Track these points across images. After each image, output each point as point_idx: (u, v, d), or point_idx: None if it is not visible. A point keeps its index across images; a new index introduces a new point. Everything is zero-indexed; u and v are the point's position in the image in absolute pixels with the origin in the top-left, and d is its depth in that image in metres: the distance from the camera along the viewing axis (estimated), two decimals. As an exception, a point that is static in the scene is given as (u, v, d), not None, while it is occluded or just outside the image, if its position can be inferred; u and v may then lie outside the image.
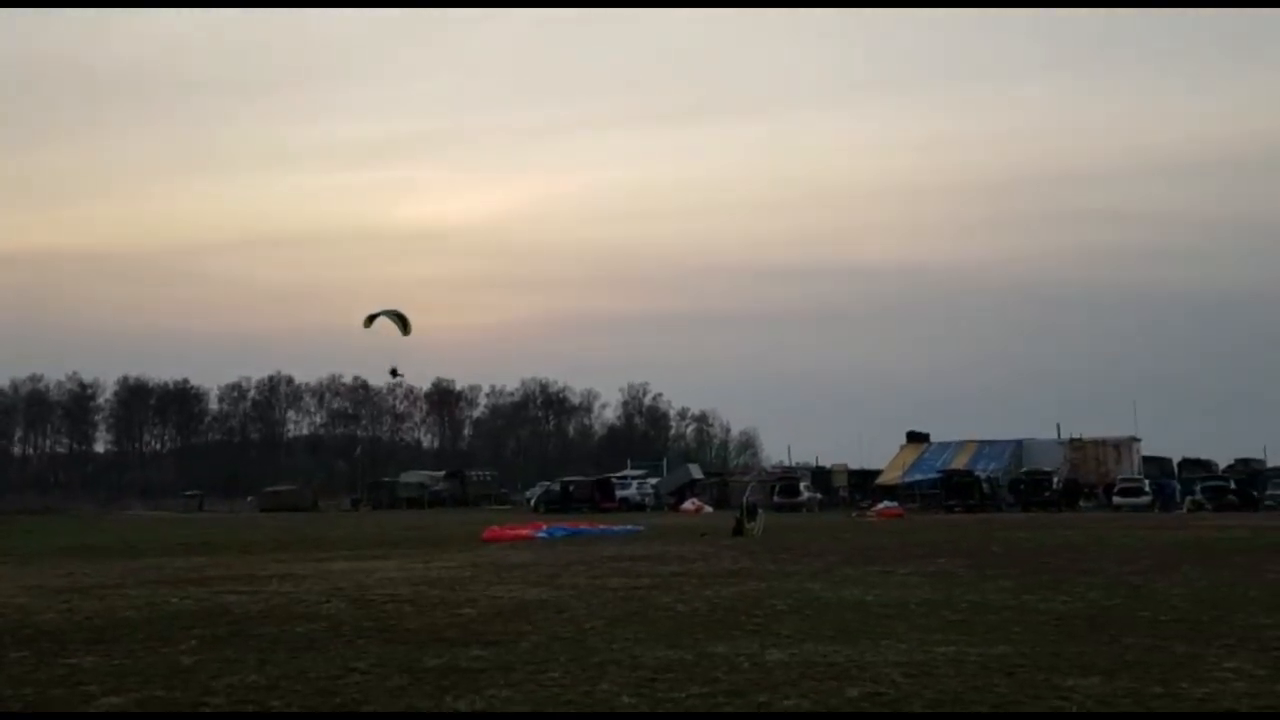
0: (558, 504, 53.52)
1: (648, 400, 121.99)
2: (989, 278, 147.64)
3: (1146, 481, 51.33)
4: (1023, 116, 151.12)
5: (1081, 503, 51.89)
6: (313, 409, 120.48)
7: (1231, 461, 59.11)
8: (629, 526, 31.73)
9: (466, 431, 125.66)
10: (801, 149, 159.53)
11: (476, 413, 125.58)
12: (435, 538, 27.99)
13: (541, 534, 27.57)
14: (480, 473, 79.34)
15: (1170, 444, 65.84)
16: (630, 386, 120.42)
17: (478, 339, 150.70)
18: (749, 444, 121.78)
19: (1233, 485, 47.94)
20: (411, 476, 76.82)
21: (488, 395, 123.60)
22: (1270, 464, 57.42)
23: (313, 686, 7.49)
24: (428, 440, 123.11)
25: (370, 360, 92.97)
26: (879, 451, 69.48)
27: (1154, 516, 40.27)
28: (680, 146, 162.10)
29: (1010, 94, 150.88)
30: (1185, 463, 59.54)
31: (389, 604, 12.43)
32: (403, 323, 31.02)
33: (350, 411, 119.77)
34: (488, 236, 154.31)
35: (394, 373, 35.01)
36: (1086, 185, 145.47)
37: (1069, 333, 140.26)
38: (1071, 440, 63.52)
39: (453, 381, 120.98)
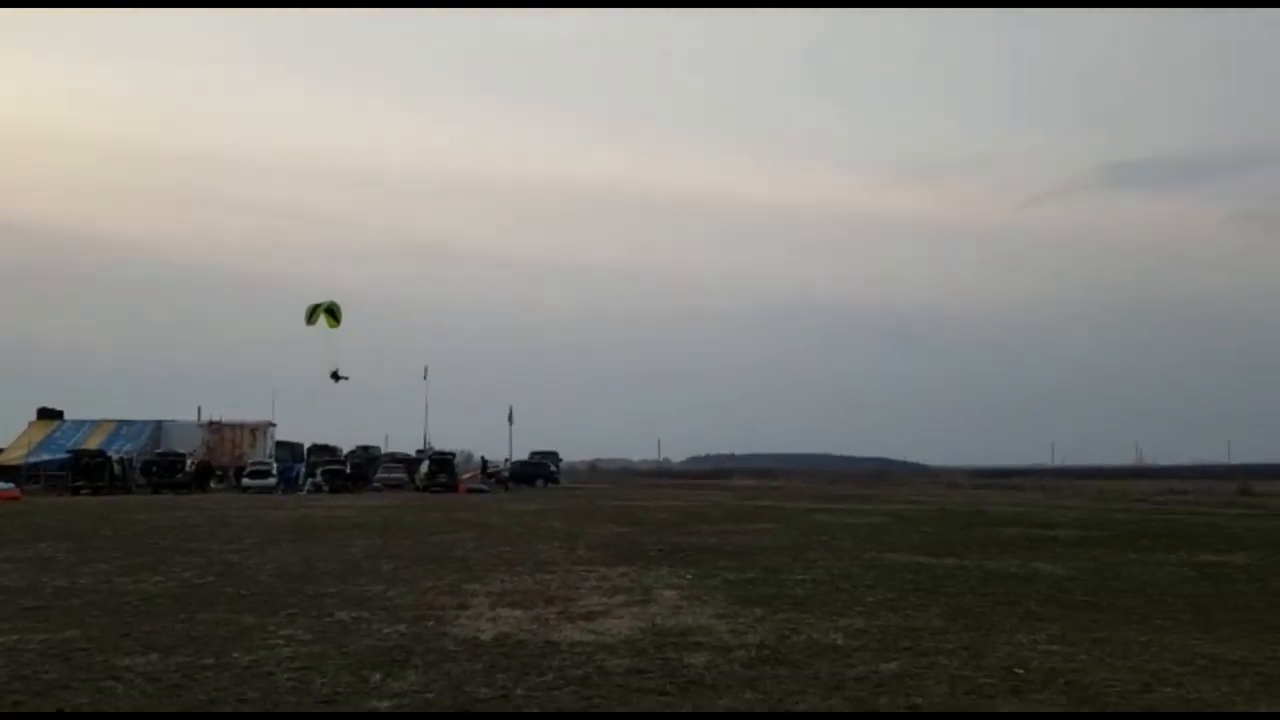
0: None
1: None
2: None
3: (275, 464, 54.02)
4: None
5: (213, 484, 52.59)
6: None
7: (354, 448, 64.86)
8: None
9: None
10: None
11: None
12: None
13: None
14: None
15: (304, 430, 69.98)
16: None
17: None
18: None
19: (349, 469, 52.95)
20: None
21: None
22: (417, 451, 63.89)
23: None
24: None
25: None
26: (5, 428, 62.31)
27: (276, 498, 42.54)
28: None
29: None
30: (314, 448, 63.71)
31: None
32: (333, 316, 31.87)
33: None
34: None
35: (336, 376, 33.77)
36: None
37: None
38: (209, 423, 64.04)
39: None
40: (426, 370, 64.19)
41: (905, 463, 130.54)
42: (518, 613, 9.88)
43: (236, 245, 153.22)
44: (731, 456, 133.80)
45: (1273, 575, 13.74)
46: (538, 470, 60.50)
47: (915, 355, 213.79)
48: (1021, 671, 7.27)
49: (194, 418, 65.14)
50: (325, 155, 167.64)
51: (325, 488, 48.72)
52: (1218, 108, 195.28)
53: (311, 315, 33.11)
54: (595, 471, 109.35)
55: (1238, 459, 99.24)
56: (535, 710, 6.19)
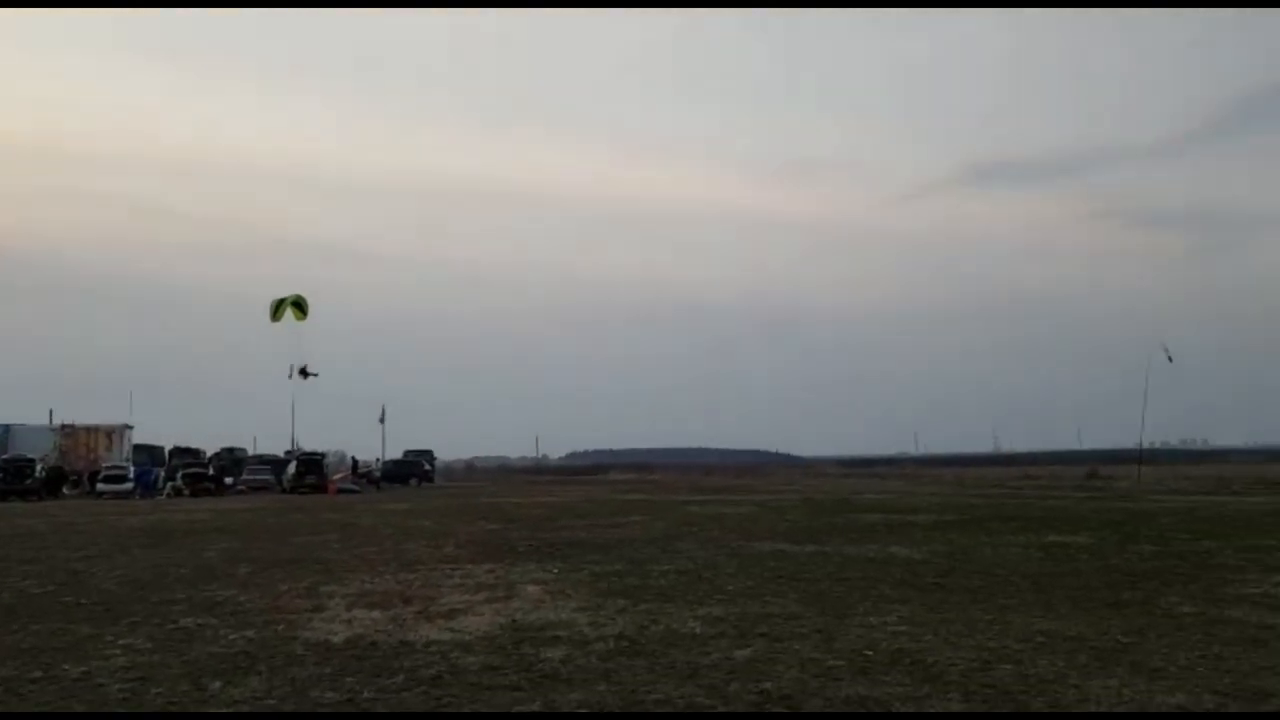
0: None
1: None
2: None
3: (132, 468, 51.84)
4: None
5: (66, 490, 50.18)
6: None
7: (219, 449, 62.76)
8: None
9: None
10: None
11: None
12: None
13: None
14: None
15: (169, 432, 67.27)
16: None
17: None
18: None
19: (211, 471, 51.15)
20: None
21: None
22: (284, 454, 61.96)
23: None
24: None
25: None
26: None
27: (133, 502, 40.73)
28: None
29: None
30: (176, 450, 61.50)
31: None
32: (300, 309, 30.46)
33: None
34: None
35: (305, 373, 32.76)
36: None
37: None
38: (63, 427, 61.13)
39: None
40: (293, 369, 62.45)
41: (777, 454, 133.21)
42: (375, 614, 9.64)
43: (92, 241, 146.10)
44: (610, 452, 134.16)
45: (1112, 554, 14.43)
46: (411, 469, 59.61)
47: (787, 350, 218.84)
48: (870, 653, 7.45)
49: (45, 421, 62.07)
50: (187, 150, 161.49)
51: (186, 491, 46.94)
52: (1075, 110, 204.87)
53: (277, 310, 31.62)
54: (472, 470, 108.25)
55: (1088, 445, 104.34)
56: (382, 711, 6.03)
